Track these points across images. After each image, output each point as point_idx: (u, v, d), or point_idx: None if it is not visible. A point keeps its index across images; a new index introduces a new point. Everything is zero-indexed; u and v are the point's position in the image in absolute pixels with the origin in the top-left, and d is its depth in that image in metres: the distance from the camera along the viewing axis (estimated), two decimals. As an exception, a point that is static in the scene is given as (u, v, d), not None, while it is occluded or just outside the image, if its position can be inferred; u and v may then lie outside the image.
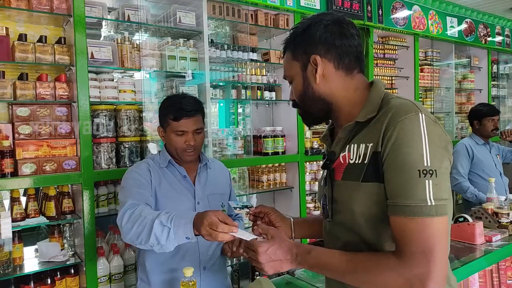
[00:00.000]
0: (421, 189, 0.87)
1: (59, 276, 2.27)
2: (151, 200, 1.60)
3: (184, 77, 2.76)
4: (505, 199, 2.23)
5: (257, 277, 1.56)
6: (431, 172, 0.88)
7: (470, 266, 1.77)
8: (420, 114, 0.91)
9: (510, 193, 2.41)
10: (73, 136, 2.29)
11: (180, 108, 1.67)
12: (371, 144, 0.96)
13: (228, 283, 1.85)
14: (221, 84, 3.14)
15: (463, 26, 4.56)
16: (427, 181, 0.87)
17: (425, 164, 0.88)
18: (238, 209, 1.33)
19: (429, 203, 0.87)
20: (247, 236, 1.13)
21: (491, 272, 1.99)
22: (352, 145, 1.02)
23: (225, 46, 2.97)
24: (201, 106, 1.76)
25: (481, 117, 3.44)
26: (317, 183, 3.30)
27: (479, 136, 3.48)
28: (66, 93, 2.27)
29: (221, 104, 4.15)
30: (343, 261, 0.95)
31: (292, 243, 1.05)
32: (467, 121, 4.92)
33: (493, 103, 4.79)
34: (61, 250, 2.30)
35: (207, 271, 1.71)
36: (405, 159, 0.89)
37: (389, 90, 4.09)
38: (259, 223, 1.33)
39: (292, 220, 1.36)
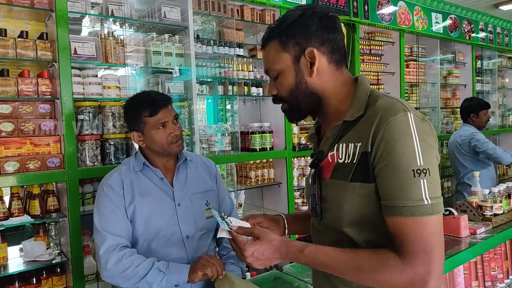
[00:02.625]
0: (417, 189, 0.88)
1: (45, 275, 2.24)
2: (127, 228, 1.60)
3: (170, 73, 2.73)
4: (489, 193, 2.26)
5: (225, 272, 1.55)
6: (424, 171, 0.88)
7: (455, 259, 1.80)
8: (408, 114, 0.92)
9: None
10: (57, 134, 2.25)
11: (152, 101, 1.65)
12: (360, 144, 0.96)
13: None
14: (208, 80, 3.12)
15: (448, 22, 4.61)
16: (422, 181, 0.88)
17: (419, 164, 0.88)
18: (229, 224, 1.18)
19: (425, 202, 0.88)
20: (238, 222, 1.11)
21: (476, 264, 2.02)
22: (341, 144, 1.02)
23: (211, 42, 2.95)
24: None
25: (478, 109, 3.60)
26: (305, 178, 3.32)
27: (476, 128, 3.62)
28: (49, 90, 2.23)
29: (209, 101, 4.13)
30: (341, 259, 0.95)
31: (281, 242, 1.02)
32: (453, 116, 5.03)
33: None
34: (47, 249, 2.26)
35: None
36: (400, 160, 0.89)
37: (375, 86, 4.17)
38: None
39: (285, 219, 1.32)
